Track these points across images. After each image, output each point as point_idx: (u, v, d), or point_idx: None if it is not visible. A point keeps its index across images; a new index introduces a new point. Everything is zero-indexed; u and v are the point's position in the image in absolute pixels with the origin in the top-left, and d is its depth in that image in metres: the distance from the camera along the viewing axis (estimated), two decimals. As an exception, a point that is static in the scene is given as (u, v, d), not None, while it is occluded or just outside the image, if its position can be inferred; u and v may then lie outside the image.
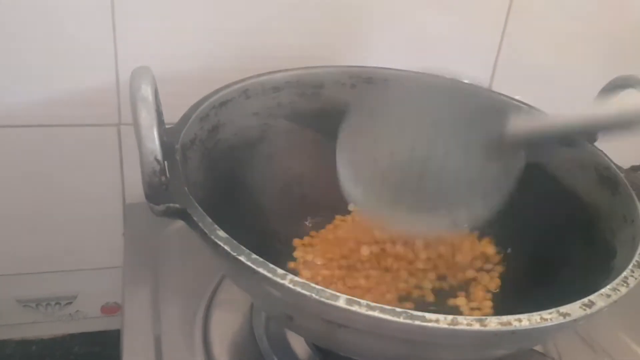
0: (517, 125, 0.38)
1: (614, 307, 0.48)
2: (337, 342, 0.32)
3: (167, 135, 0.37)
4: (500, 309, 0.31)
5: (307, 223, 0.49)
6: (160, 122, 0.37)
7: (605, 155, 0.42)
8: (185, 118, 0.40)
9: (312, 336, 0.37)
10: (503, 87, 0.52)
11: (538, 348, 0.43)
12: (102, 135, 0.54)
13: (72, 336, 0.66)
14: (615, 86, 0.42)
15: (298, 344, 0.42)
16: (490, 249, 0.46)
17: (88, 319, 0.65)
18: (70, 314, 0.64)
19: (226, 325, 0.44)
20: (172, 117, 0.39)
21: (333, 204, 0.49)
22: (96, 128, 0.53)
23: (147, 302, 0.46)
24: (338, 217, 0.49)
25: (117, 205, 0.58)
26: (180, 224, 0.32)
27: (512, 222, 0.45)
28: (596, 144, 0.43)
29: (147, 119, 0.30)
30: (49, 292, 0.62)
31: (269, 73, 0.47)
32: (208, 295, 0.46)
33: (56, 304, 0.63)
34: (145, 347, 0.42)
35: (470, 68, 0.58)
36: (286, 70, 0.47)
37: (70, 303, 0.64)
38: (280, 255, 0.45)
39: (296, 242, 0.47)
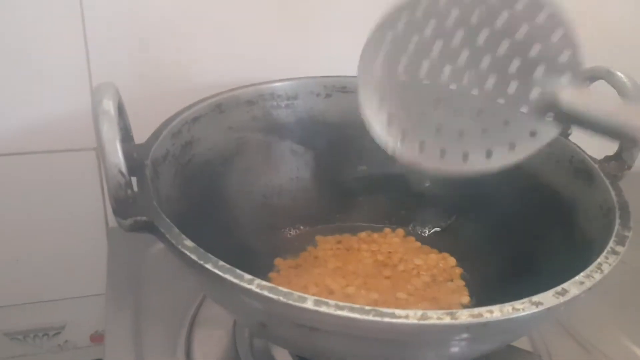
0: (577, 96, 0.33)
1: (606, 303, 0.48)
2: (314, 348, 0.32)
3: (138, 152, 0.37)
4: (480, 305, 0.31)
5: (288, 234, 0.49)
6: (128, 137, 0.37)
7: (579, 147, 0.42)
8: (157, 134, 0.39)
9: (288, 344, 0.36)
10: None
11: (528, 347, 0.42)
12: (81, 160, 0.53)
13: (62, 367, 0.65)
14: (584, 78, 0.42)
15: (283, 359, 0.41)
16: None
17: (78, 349, 0.64)
18: (59, 344, 0.63)
19: (209, 343, 0.43)
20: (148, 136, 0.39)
21: (314, 214, 0.50)
22: (74, 153, 0.53)
23: (129, 327, 0.45)
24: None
25: (101, 229, 0.57)
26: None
27: (490, 218, 0.45)
28: (570, 137, 0.43)
29: (108, 132, 0.30)
30: (36, 323, 0.61)
31: (242, 87, 0.47)
32: (190, 314, 0.46)
33: (44, 335, 0.62)
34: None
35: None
36: (260, 83, 0.48)
37: (59, 333, 0.63)
38: (261, 267, 0.45)
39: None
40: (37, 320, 0.61)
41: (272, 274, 0.45)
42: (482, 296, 0.43)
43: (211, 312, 0.45)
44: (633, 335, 0.46)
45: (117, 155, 0.30)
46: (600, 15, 0.60)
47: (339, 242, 0.48)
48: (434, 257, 0.46)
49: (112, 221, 0.56)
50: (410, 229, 0.50)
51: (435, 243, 0.48)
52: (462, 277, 0.45)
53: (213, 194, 0.44)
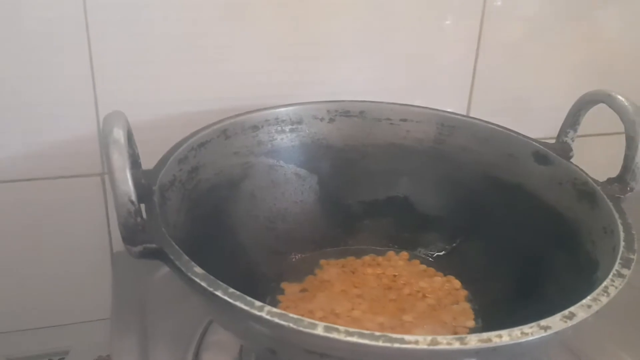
0: None
1: (610, 323, 0.48)
2: (323, 375, 0.32)
3: (145, 178, 0.37)
4: (487, 329, 0.31)
5: (293, 258, 0.49)
6: (137, 164, 0.37)
7: (582, 170, 0.42)
8: (164, 160, 0.40)
9: (297, 370, 0.36)
10: (480, 112, 0.53)
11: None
12: (87, 186, 0.54)
13: (66, 393, 0.64)
14: (585, 102, 0.43)
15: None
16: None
17: (82, 374, 0.64)
18: (63, 370, 0.63)
19: (216, 369, 0.43)
20: (155, 162, 0.40)
21: (319, 238, 0.50)
22: (80, 179, 0.53)
23: (134, 352, 0.45)
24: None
25: (105, 254, 0.57)
26: (168, 269, 0.32)
27: (495, 240, 0.45)
28: (572, 160, 0.44)
29: (119, 160, 0.30)
30: (40, 348, 0.61)
31: (247, 112, 0.48)
32: (197, 339, 0.45)
33: (48, 360, 0.62)
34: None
35: (446, 95, 0.59)
36: (264, 109, 0.48)
37: (63, 359, 0.62)
38: (267, 291, 0.45)
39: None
40: (41, 345, 0.61)
41: (280, 297, 0.45)
42: (487, 318, 0.43)
43: (217, 337, 0.45)
44: (638, 356, 0.46)
45: (127, 184, 0.30)
46: (601, 39, 0.61)
47: (343, 265, 0.48)
48: (438, 280, 0.47)
49: (117, 246, 0.57)
50: (413, 254, 0.50)
51: (440, 266, 0.49)
52: (467, 300, 0.45)
53: (219, 219, 0.45)
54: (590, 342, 0.46)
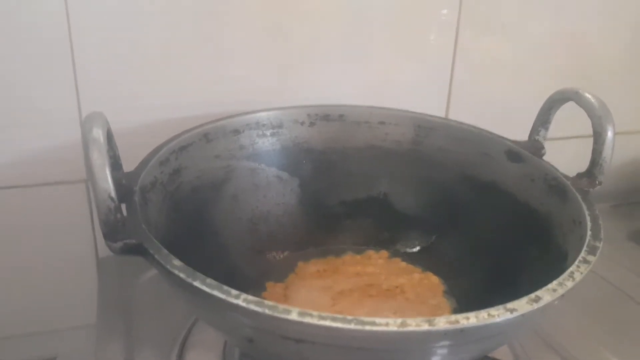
0: None
1: (587, 318, 0.49)
2: (301, 364, 0.32)
3: (126, 179, 0.38)
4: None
5: (276, 258, 0.50)
6: (117, 166, 0.38)
7: (553, 166, 0.43)
8: (145, 162, 0.41)
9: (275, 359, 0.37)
10: (459, 115, 0.54)
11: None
12: (71, 192, 0.54)
13: (53, 402, 0.64)
14: (554, 100, 0.44)
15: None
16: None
17: (69, 381, 0.64)
18: (50, 377, 0.63)
19: (200, 367, 0.44)
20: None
21: (300, 238, 0.51)
22: (65, 185, 0.54)
23: (120, 356, 0.45)
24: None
25: (91, 260, 0.58)
26: (153, 272, 0.32)
27: (470, 236, 0.46)
28: (544, 157, 0.45)
29: (98, 158, 0.31)
30: (27, 355, 0.61)
31: (228, 117, 0.49)
32: (180, 339, 0.46)
33: (35, 368, 0.62)
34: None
35: (425, 99, 0.60)
36: (245, 113, 0.49)
37: (50, 366, 0.62)
38: (249, 291, 0.45)
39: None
40: (27, 352, 0.60)
41: (264, 293, 0.46)
42: (464, 312, 0.44)
43: (201, 336, 0.46)
44: (614, 349, 0.46)
45: (106, 181, 0.31)
46: (577, 39, 0.62)
47: (324, 264, 0.49)
48: (417, 276, 0.48)
49: (102, 252, 0.57)
50: (393, 250, 0.51)
51: (418, 262, 0.50)
52: (445, 294, 0.46)
53: (201, 221, 0.45)
54: (569, 336, 0.47)
